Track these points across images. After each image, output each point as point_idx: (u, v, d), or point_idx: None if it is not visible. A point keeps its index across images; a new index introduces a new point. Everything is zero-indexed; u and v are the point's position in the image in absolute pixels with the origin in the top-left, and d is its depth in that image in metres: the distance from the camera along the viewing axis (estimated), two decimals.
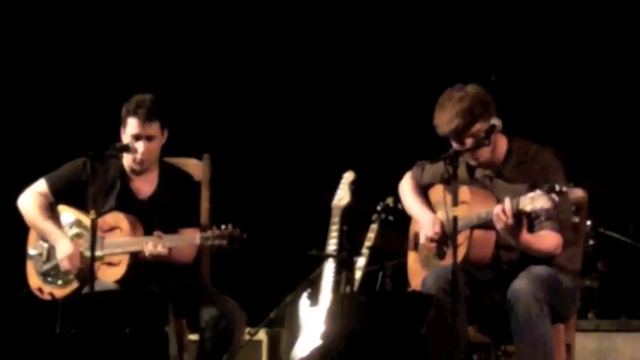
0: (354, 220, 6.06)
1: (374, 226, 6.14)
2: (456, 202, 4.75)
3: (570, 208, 4.84)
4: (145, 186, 5.49)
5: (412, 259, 5.48)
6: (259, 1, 7.65)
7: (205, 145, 5.81)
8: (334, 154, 7.04)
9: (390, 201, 6.10)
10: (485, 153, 5.12)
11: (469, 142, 5.06)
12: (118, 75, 7.39)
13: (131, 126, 5.37)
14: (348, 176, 6.13)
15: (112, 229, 5.38)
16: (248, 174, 7.44)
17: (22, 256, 5.55)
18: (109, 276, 5.35)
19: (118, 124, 5.45)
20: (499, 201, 5.01)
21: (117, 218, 5.38)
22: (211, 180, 5.73)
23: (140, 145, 5.37)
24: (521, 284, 4.93)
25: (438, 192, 5.33)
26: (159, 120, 5.39)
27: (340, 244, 5.98)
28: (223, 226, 5.25)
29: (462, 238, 5.02)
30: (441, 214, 5.22)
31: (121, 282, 5.34)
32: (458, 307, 4.81)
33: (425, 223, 5.29)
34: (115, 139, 5.41)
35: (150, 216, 5.40)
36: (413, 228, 5.49)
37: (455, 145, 5.09)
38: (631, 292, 6.97)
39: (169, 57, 7.54)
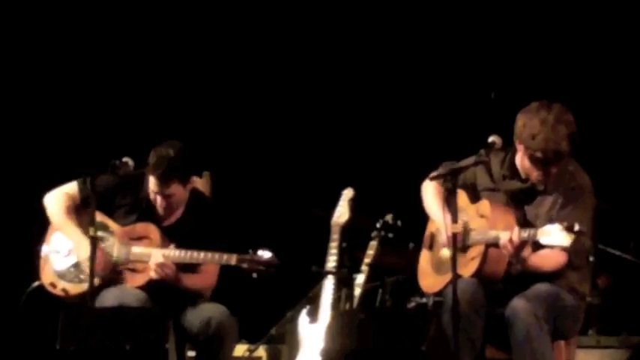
0: (354, 237, 6.06)
1: (373, 243, 6.15)
2: (455, 220, 4.72)
3: (585, 245, 4.91)
4: (171, 214, 5.44)
5: (424, 259, 5.37)
6: (260, 22, 7.66)
7: (206, 162, 5.82)
8: (334, 172, 7.04)
9: (389, 218, 6.11)
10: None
11: (554, 169, 4.97)
12: (123, 92, 7.42)
13: (151, 180, 5.32)
14: (348, 193, 6.13)
15: (140, 237, 5.36)
16: (248, 191, 7.45)
17: (21, 270, 5.54)
18: (132, 282, 5.33)
19: (123, 138, 5.42)
20: (522, 221, 4.96)
21: (148, 229, 5.36)
22: (212, 197, 5.75)
23: (158, 200, 5.35)
24: (520, 302, 4.91)
25: (461, 197, 5.19)
26: (178, 178, 5.29)
27: (340, 261, 5.98)
28: (260, 252, 5.23)
29: (476, 252, 4.98)
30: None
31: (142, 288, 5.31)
32: (473, 319, 4.83)
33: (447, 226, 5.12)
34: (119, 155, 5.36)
35: (172, 241, 5.36)
36: (429, 228, 5.39)
37: (536, 169, 4.94)
38: (632, 308, 6.96)
39: (172, 74, 7.56)
